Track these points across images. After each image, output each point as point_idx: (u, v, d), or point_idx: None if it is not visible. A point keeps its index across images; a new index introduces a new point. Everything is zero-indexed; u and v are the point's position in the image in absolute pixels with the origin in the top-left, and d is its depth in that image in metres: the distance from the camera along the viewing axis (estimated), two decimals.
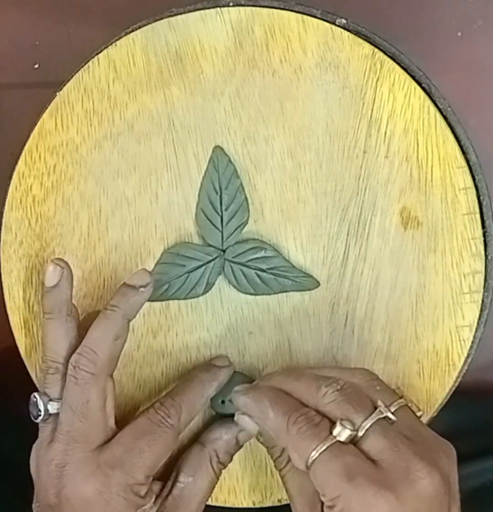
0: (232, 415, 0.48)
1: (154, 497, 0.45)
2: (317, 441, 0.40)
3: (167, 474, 0.47)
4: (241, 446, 0.48)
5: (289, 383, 0.44)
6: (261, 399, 0.43)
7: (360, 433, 0.40)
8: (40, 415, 0.45)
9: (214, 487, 0.47)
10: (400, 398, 0.42)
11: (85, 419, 0.44)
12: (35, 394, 0.45)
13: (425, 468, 0.39)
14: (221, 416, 0.49)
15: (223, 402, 0.48)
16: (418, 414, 0.43)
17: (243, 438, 0.48)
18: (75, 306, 0.47)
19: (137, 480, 0.43)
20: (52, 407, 0.45)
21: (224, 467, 0.47)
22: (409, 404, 0.43)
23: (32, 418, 0.46)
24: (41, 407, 0.45)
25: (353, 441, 0.40)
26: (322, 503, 0.41)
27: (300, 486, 0.44)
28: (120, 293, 0.46)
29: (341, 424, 0.40)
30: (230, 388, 0.48)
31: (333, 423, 0.41)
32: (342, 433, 0.40)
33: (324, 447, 0.40)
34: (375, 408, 0.41)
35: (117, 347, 0.45)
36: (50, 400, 0.45)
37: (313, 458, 0.40)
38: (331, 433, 0.40)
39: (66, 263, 0.47)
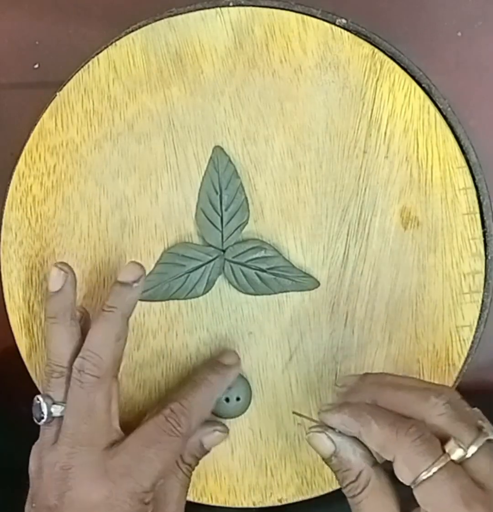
0: (227, 418, 0.48)
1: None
2: (433, 459, 0.38)
3: None
4: (208, 451, 0.48)
5: (390, 394, 0.41)
6: (360, 413, 0.41)
7: (468, 454, 0.38)
8: (43, 418, 0.45)
9: (188, 486, 0.47)
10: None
11: (90, 422, 0.44)
12: (39, 396, 0.45)
13: None
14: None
15: (227, 400, 0.48)
16: None
17: (208, 442, 0.48)
18: (78, 310, 0.47)
19: (144, 488, 0.43)
20: (56, 410, 0.45)
21: (192, 468, 0.47)
22: None
23: (35, 420, 0.45)
24: (45, 410, 0.45)
25: (460, 461, 0.38)
26: None
27: (382, 510, 0.41)
28: (115, 292, 0.46)
29: (456, 443, 0.38)
30: (231, 388, 0.48)
31: (440, 440, 0.38)
32: (455, 451, 0.38)
33: (439, 466, 0.37)
34: (479, 428, 0.39)
35: (119, 348, 0.45)
36: (54, 403, 0.45)
37: (425, 476, 0.38)
38: (444, 451, 0.38)
39: (70, 267, 0.46)
